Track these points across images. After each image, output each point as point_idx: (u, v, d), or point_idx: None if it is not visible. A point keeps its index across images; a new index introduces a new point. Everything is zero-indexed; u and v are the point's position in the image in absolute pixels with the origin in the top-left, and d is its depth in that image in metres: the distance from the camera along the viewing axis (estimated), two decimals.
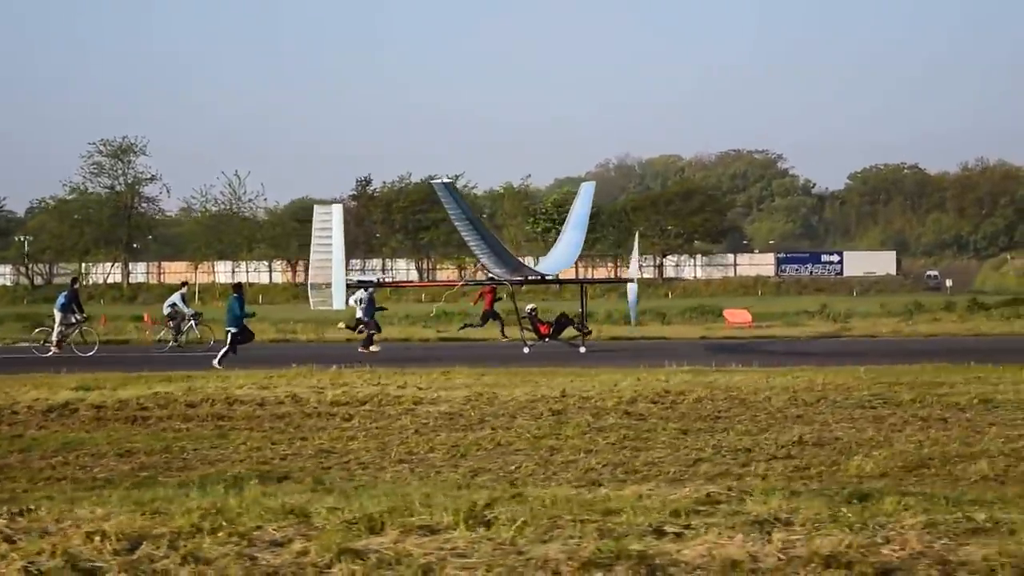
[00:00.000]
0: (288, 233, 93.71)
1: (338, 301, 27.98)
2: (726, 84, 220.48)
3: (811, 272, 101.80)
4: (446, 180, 25.97)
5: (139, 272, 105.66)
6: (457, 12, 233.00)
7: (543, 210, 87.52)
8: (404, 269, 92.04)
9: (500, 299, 35.37)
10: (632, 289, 34.66)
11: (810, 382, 16.90)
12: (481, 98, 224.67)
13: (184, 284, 35.78)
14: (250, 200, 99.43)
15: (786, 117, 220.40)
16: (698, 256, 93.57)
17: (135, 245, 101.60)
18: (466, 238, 28.62)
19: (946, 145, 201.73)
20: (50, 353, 29.26)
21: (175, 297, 33.24)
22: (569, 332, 31.39)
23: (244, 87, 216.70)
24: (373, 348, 29.01)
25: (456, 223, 27.85)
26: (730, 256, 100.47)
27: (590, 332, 32.08)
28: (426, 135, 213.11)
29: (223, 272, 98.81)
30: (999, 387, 16.02)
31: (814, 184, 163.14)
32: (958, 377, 17.43)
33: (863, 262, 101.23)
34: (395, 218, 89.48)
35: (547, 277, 33.96)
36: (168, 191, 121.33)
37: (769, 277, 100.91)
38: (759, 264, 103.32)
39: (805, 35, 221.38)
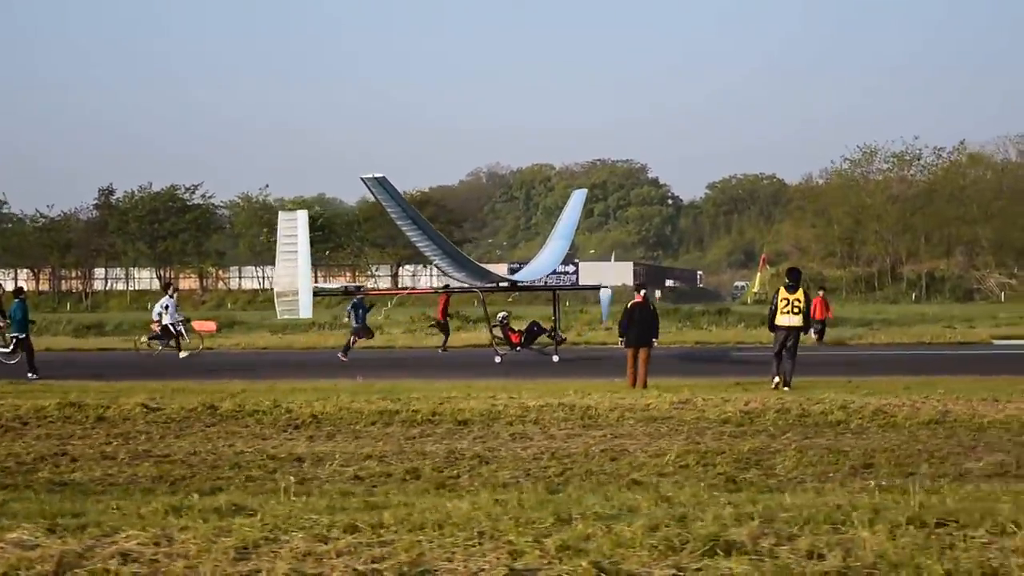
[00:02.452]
0: (32, 243, 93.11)
1: (305, 309, 27.14)
2: (601, 93, 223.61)
3: (545, 282, 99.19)
4: (376, 175, 23.72)
5: None
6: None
7: (275, 221, 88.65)
8: (148, 278, 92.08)
9: (451, 317, 35.18)
10: (606, 293, 34.18)
11: None
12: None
13: (174, 289, 35.67)
14: None
15: (656, 127, 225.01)
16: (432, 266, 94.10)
17: None
18: (413, 240, 27.40)
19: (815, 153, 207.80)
20: None
21: (165, 302, 32.81)
22: (543, 340, 30.74)
23: None
24: (343, 357, 28.75)
25: (398, 222, 26.48)
26: None
27: (564, 340, 31.36)
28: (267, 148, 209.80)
29: None
30: None
31: (672, 194, 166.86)
32: None
33: (599, 272, 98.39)
34: (132, 227, 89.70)
35: (518, 284, 33.75)
36: None
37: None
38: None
39: (679, 43, 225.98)
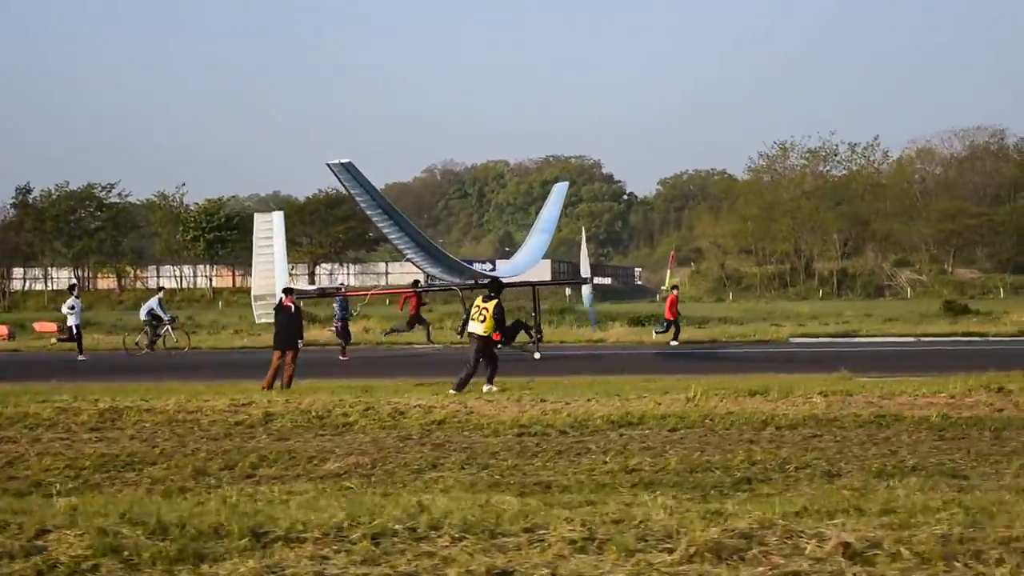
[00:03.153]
0: None
1: None
2: (560, 90, 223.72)
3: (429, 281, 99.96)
4: (342, 160, 22.51)
5: None
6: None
7: (192, 219, 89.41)
8: (66, 278, 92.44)
9: (425, 304, 34.86)
10: (587, 291, 33.92)
11: None
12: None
13: (161, 289, 36.98)
14: None
15: (613, 124, 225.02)
16: (350, 265, 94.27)
17: None
18: (386, 232, 26.21)
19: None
20: None
21: (152, 303, 33.81)
22: (521, 337, 29.70)
23: None
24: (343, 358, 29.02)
25: (368, 212, 25.10)
26: (382, 265, 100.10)
27: (541, 336, 30.80)
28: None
29: None
30: None
31: (626, 191, 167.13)
32: None
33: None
34: (48, 227, 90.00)
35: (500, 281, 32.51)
36: None
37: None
38: (412, 272, 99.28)
39: (640, 35, 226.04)
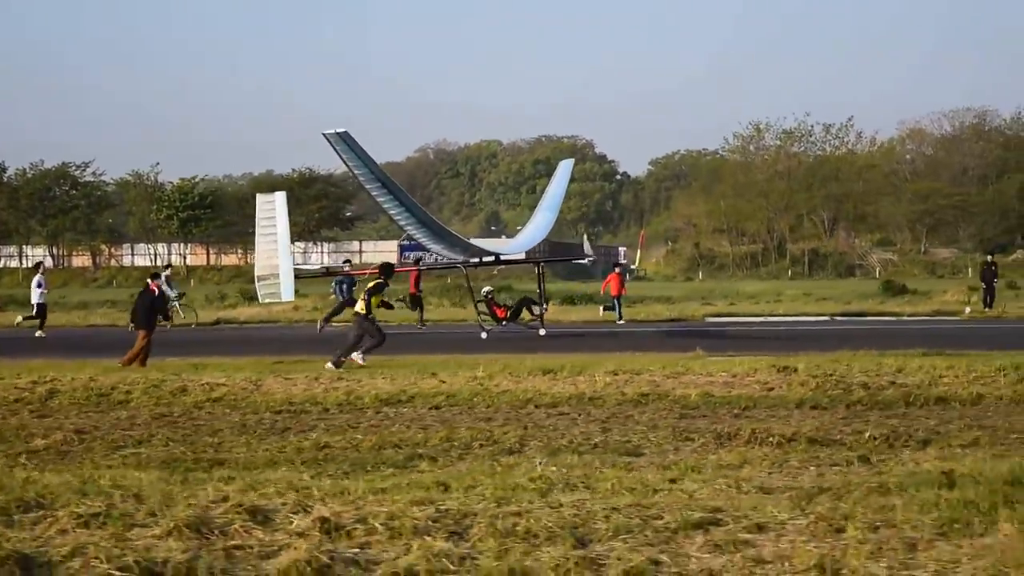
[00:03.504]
0: None
1: (287, 292, 26.16)
2: (556, 70, 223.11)
3: (436, 259, 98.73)
4: (339, 130, 22.07)
5: None
6: None
7: (166, 198, 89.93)
8: (41, 256, 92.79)
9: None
10: (590, 261, 33.88)
11: None
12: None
13: (168, 266, 37.30)
14: None
15: (608, 104, 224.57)
16: (324, 244, 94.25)
17: None
18: (385, 206, 25.87)
19: None
20: None
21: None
22: (525, 316, 29.90)
23: None
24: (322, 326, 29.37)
25: (367, 186, 24.69)
26: (356, 244, 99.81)
27: (546, 309, 30.56)
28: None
29: None
30: None
31: (618, 170, 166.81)
32: None
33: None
34: (23, 204, 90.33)
35: (501, 257, 32.24)
36: None
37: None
38: (383, 252, 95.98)
39: (638, 23, 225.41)
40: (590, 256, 34.05)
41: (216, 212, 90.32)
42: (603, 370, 15.78)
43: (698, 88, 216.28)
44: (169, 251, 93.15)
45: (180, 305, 34.51)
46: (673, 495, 7.55)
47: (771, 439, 10.68)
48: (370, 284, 20.06)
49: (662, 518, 6.73)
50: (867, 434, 10.93)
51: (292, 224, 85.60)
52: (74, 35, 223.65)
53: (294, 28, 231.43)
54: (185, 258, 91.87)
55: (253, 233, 27.09)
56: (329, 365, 18.22)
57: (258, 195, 27.80)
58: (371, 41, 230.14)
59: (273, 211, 26.23)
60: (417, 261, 33.81)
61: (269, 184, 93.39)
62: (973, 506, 6.90)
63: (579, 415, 13.02)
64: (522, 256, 33.65)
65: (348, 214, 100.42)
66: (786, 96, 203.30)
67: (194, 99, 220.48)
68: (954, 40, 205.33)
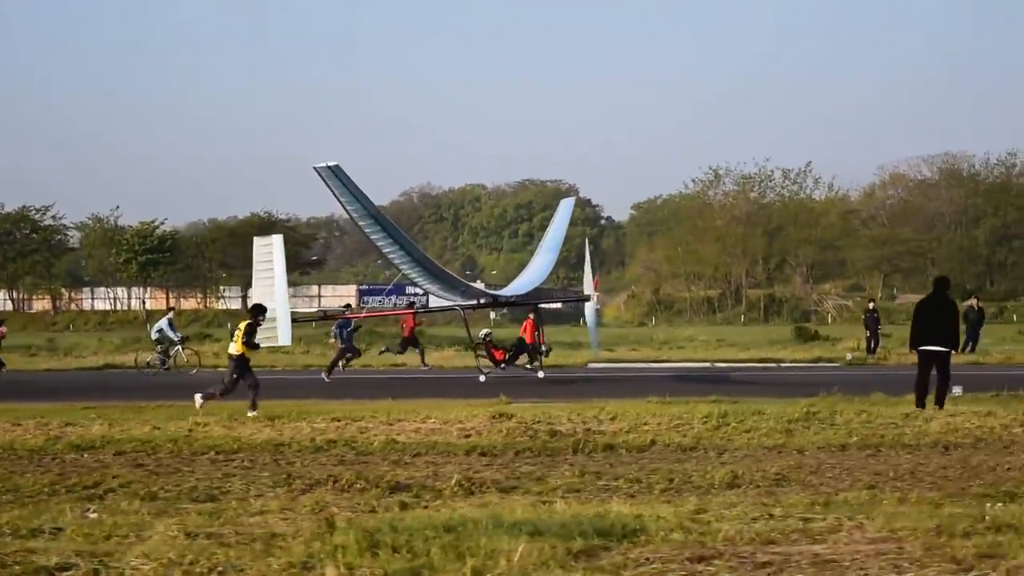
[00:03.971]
0: None
1: (284, 336, 25.71)
2: (540, 114, 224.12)
3: (395, 304, 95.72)
4: (330, 164, 21.73)
5: None
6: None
7: (125, 240, 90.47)
8: (2, 299, 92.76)
9: (420, 324, 34.57)
10: (590, 309, 33.48)
11: None
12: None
13: (171, 310, 37.63)
14: None
15: (593, 147, 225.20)
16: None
17: None
18: (378, 244, 25.31)
19: None
20: None
21: (162, 323, 34.05)
22: (523, 359, 29.79)
23: None
24: (326, 377, 28.86)
25: (359, 223, 24.26)
26: (315, 288, 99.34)
27: (547, 353, 30.50)
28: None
29: None
30: None
31: (601, 215, 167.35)
32: None
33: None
34: None
35: (500, 299, 32.31)
36: None
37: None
38: (343, 296, 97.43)
39: (611, 56, 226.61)
40: (589, 295, 33.50)
41: (175, 256, 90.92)
42: (323, 417, 15.93)
43: (685, 133, 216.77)
44: (129, 295, 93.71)
45: (182, 349, 34.37)
46: None
47: (357, 484, 10.78)
48: (242, 325, 19.86)
49: None
50: (453, 480, 11.00)
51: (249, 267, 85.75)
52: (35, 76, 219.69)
53: (279, 69, 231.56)
54: (144, 302, 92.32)
55: (212, 277, 27.16)
56: (199, 399, 18.48)
57: (255, 238, 27.65)
58: (360, 80, 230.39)
59: (271, 254, 26.33)
60: (411, 304, 33.80)
61: (226, 229, 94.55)
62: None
63: (237, 462, 13.06)
64: (520, 297, 33.06)
65: (311, 259, 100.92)
66: (776, 138, 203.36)
67: (162, 138, 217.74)
68: (940, 83, 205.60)
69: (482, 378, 27.76)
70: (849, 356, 36.11)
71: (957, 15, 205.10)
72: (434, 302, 35.10)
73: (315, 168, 21.97)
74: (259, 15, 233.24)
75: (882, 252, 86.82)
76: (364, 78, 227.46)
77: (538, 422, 15.36)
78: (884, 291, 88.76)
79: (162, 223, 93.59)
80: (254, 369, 19.96)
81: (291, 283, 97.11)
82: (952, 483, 10.89)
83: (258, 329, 19.99)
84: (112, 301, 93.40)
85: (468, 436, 14.65)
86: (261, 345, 21.26)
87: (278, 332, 25.32)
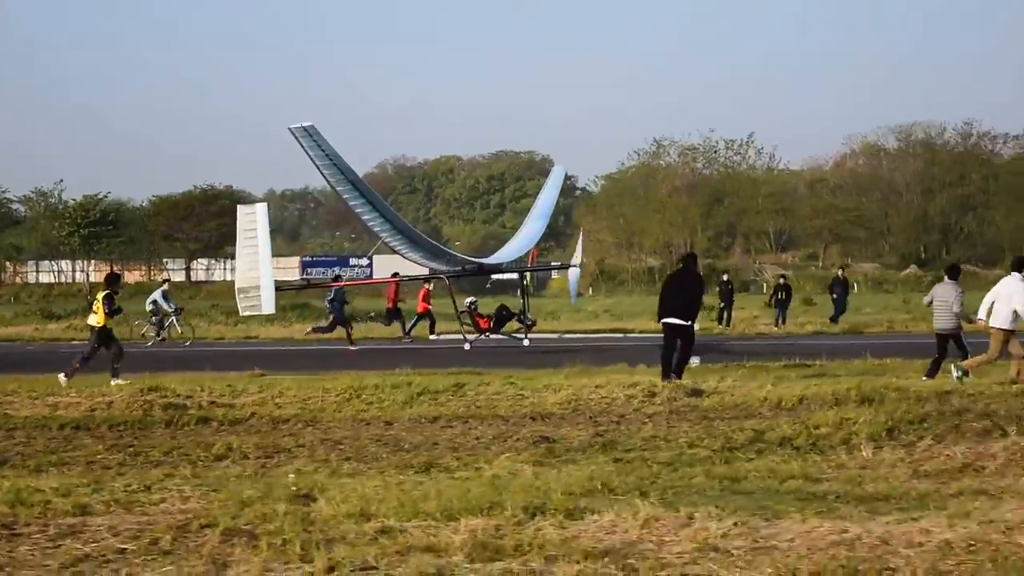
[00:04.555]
0: None
1: (268, 304, 26.06)
2: (518, 87, 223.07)
3: (337, 276, 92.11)
4: (304, 124, 21.69)
5: None
6: None
7: (68, 214, 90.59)
8: None
9: (402, 300, 34.41)
10: (574, 273, 34.92)
11: None
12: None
13: (166, 281, 37.23)
14: None
15: (568, 117, 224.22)
16: (227, 260, 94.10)
17: None
18: (356, 210, 25.13)
19: None
20: None
21: (156, 294, 33.84)
22: (511, 326, 30.26)
23: None
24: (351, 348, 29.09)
25: (337, 188, 24.15)
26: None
27: (534, 324, 30.71)
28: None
29: None
30: None
31: (576, 186, 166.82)
32: None
33: (393, 264, 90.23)
34: None
35: (484, 267, 32.18)
36: None
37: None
38: (287, 268, 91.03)
39: (591, 34, 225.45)
40: (575, 264, 34.36)
41: (119, 229, 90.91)
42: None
43: (661, 105, 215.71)
44: (73, 268, 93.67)
45: (176, 321, 33.98)
46: None
47: None
48: (100, 296, 19.65)
49: None
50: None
51: (195, 241, 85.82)
52: None
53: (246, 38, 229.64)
54: (88, 275, 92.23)
55: (155, 250, 27.00)
56: (62, 378, 18.30)
57: (239, 207, 27.50)
58: (331, 50, 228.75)
59: (255, 223, 26.29)
60: (395, 274, 33.55)
61: (170, 201, 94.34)
62: None
63: None
64: (505, 265, 33.80)
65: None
66: (745, 112, 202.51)
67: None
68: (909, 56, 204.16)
69: (467, 346, 28.12)
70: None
71: None
72: (417, 270, 35.25)
73: (290, 129, 21.97)
74: None
75: (823, 222, 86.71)
76: (336, 46, 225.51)
77: (178, 396, 15.52)
78: (839, 261, 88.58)
79: (105, 196, 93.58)
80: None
81: (234, 255, 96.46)
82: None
83: (115, 298, 19.68)
84: (56, 275, 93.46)
85: (95, 411, 14.79)
86: (123, 310, 21.17)
87: (262, 300, 25.81)
